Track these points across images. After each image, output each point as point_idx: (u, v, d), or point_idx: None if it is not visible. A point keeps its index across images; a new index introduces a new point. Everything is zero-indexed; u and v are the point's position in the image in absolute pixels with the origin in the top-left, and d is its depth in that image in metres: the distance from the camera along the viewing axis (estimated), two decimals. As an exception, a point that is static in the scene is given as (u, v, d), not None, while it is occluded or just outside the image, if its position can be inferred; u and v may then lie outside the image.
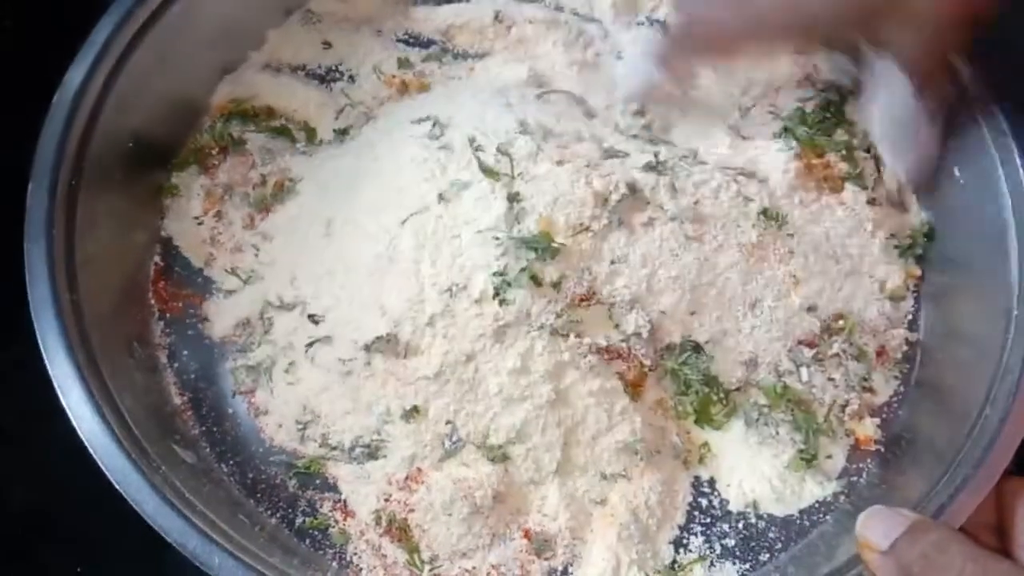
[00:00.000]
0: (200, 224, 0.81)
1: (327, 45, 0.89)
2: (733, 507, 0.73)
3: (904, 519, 0.60)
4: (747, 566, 0.72)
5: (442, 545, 0.69)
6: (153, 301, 0.78)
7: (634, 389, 0.73)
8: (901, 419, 0.77)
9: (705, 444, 0.74)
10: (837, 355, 0.76)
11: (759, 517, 0.73)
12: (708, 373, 0.74)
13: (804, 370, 0.75)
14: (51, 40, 0.77)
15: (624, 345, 0.73)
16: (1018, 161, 0.73)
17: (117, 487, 0.62)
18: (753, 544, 0.72)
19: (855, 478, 0.75)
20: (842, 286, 0.78)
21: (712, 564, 0.72)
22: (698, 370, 0.74)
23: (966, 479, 0.65)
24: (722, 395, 0.74)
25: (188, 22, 0.80)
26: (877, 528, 0.60)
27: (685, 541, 0.72)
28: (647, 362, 0.73)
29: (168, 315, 0.78)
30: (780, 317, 0.76)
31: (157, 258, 0.80)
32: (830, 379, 0.76)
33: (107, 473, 0.62)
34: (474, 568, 0.69)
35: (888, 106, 0.77)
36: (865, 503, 0.71)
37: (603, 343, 0.72)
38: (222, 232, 0.80)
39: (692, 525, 0.73)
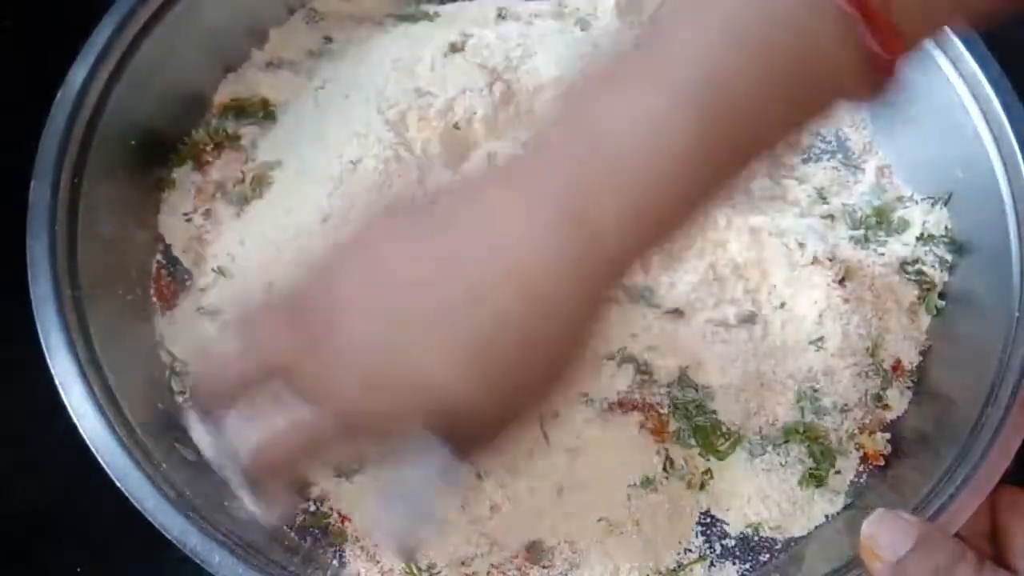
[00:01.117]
0: (189, 221, 0.80)
1: (328, 40, 0.89)
2: (733, 530, 0.72)
3: (912, 529, 0.58)
4: (747, 566, 0.71)
5: (439, 554, 0.68)
6: (155, 298, 0.78)
7: (658, 436, 0.72)
8: (904, 421, 0.76)
9: (708, 471, 0.73)
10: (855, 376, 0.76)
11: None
12: (707, 409, 0.73)
13: (819, 413, 0.74)
14: (52, 40, 0.77)
15: (637, 396, 0.71)
16: (1019, 160, 0.74)
17: (118, 484, 0.61)
18: (753, 544, 0.72)
19: (857, 479, 0.74)
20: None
21: (712, 564, 0.71)
22: (698, 407, 0.73)
23: (967, 479, 0.65)
24: (725, 431, 0.73)
25: (190, 21, 0.80)
26: (884, 537, 0.58)
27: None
28: (664, 410, 0.72)
29: (170, 312, 0.78)
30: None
31: (159, 256, 0.79)
32: (844, 409, 0.75)
33: (108, 471, 0.62)
34: (475, 573, 0.69)
35: None
36: (865, 503, 0.71)
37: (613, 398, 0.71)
38: (209, 231, 0.80)
39: (692, 526, 0.73)
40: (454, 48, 0.83)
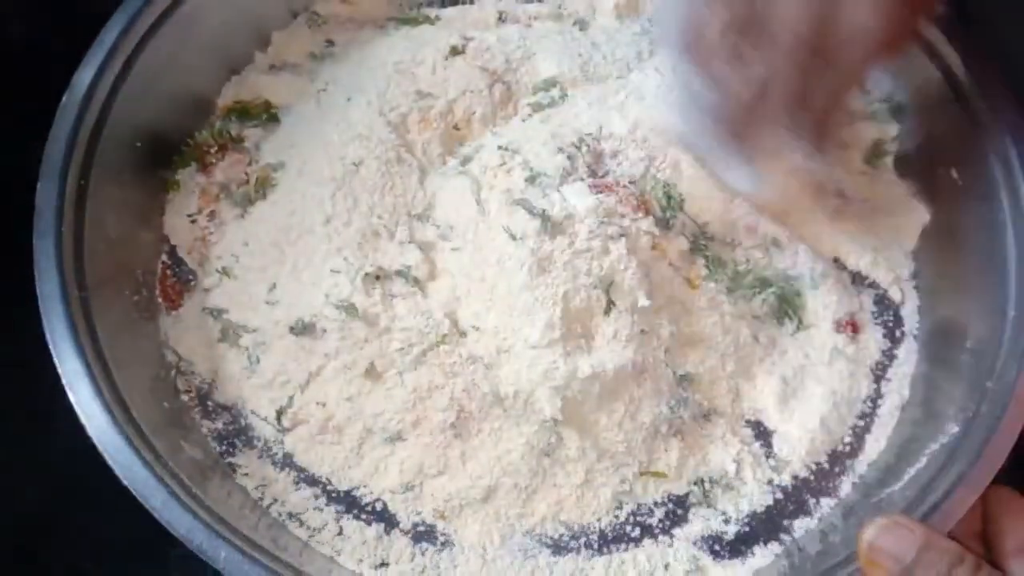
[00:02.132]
0: (193, 222, 0.81)
1: (330, 43, 0.90)
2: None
3: (915, 537, 0.58)
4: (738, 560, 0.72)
5: None
6: (160, 298, 0.78)
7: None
8: (900, 421, 0.77)
9: None
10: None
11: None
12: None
13: None
14: (58, 42, 0.78)
15: None
16: (1015, 162, 0.74)
17: (124, 482, 0.62)
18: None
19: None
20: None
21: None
22: None
23: (962, 476, 0.65)
24: None
25: (195, 24, 0.81)
26: (888, 546, 0.59)
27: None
28: None
29: (175, 312, 0.78)
30: None
31: (164, 256, 0.80)
32: None
33: (115, 468, 0.62)
34: None
35: None
36: (866, 500, 0.72)
37: None
38: (213, 232, 0.81)
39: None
40: (455, 51, 0.83)
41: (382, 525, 0.72)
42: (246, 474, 0.73)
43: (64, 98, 0.73)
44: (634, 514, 0.73)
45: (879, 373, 0.79)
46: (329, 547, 0.70)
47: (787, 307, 0.77)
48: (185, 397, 0.75)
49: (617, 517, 0.73)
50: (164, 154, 0.82)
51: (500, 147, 0.77)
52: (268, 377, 0.74)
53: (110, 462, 0.63)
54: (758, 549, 0.72)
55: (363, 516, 0.72)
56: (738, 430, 0.76)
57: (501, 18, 0.90)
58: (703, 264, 0.76)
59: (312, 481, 0.73)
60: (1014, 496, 0.63)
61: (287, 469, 0.73)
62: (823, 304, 0.78)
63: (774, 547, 0.72)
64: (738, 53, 0.63)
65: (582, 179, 0.75)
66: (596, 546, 0.72)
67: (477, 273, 0.73)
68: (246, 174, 0.82)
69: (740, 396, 0.77)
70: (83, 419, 0.64)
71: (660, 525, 0.73)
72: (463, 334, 0.73)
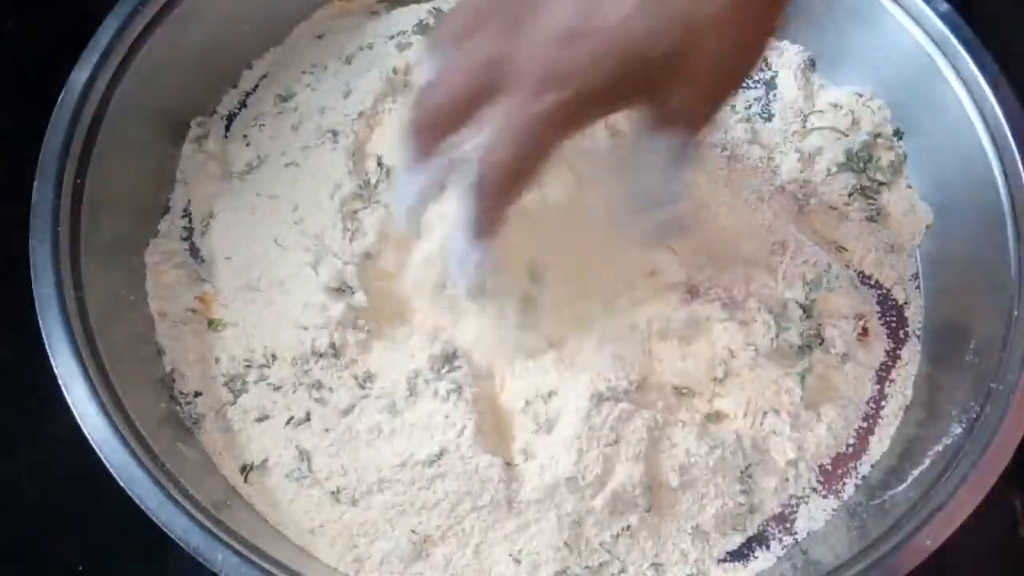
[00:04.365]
0: (192, 220, 0.81)
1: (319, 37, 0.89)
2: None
3: None
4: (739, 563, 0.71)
5: None
6: (158, 299, 0.78)
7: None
8: (904, 422, 0.77)
9: None
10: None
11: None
12: None
13: None
14: (53, 41, 0.78)
15: None
16: (1017, 160, 0.74)
17: (121, 483, 0.62)
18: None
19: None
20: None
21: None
22: None
23: (965, 477, 0.65)
24: None
25: (193, 22, 0.80)
26: None
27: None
28: None
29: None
30: None
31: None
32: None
33: (111, 470, 0.62)
34: None
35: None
36: (869, 502, 0.72)
37: None
38: (213, 228, 0.80)
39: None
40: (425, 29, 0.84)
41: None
42: (244, 476, 0.72)
43: (60, 97, 0.72)
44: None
45: (883, 374, 0.78)
46: (329, 550, 0.70)
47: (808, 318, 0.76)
48: (182, 398, 0.74)
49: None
50: (162, 152, 0.82)
51: None
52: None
53: (106, 462, 0.62)
54: (760, 552, 0.72)
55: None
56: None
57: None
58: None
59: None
60: None
61: (285, 472, 0.73)
62: (837, 308, 0.77)
63: (776, 550, 0.72)
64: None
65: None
66: (596, 548, 0.72)
67: None
68: (247, 168, 0.81)
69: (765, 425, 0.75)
70: (79, 419, 0.63)
71: (661, 527, 0.73)
72: None
